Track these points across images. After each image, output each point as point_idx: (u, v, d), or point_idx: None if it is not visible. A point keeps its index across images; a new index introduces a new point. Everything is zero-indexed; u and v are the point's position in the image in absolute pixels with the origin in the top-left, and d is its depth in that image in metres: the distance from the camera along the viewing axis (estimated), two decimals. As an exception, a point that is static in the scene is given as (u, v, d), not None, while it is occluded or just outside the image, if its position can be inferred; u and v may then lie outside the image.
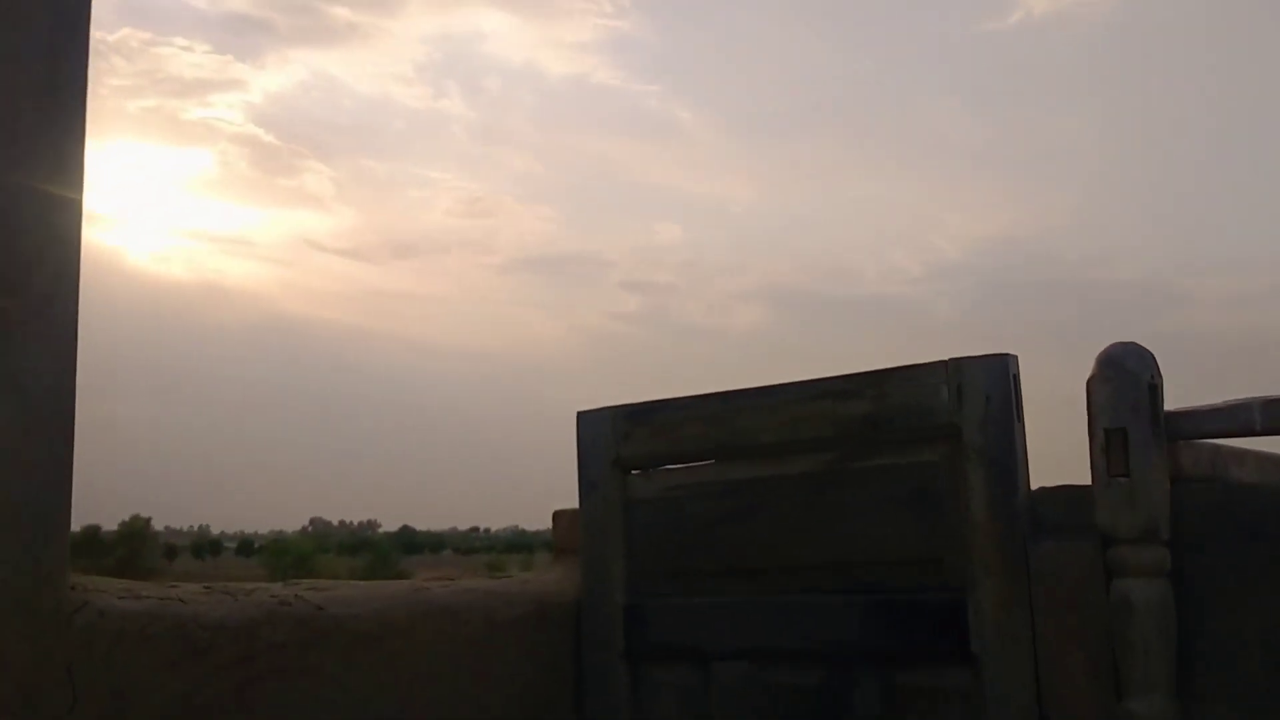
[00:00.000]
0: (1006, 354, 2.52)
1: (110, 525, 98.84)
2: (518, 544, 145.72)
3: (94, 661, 2.29)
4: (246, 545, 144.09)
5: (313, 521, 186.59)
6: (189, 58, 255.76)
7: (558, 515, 3.47)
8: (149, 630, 2.37)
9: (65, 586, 2.31)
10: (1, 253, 2.28)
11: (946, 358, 2.57)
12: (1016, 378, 2.51)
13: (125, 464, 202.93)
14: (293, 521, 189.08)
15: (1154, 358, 2.32)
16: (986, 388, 2.49)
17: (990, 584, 2.44)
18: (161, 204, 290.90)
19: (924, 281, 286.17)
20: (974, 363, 2.52)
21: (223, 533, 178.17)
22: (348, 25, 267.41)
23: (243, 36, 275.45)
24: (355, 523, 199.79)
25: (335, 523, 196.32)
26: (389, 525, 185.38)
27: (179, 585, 2.66)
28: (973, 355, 2.53)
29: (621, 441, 3.14)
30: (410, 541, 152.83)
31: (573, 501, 3.29)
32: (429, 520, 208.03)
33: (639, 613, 3.05)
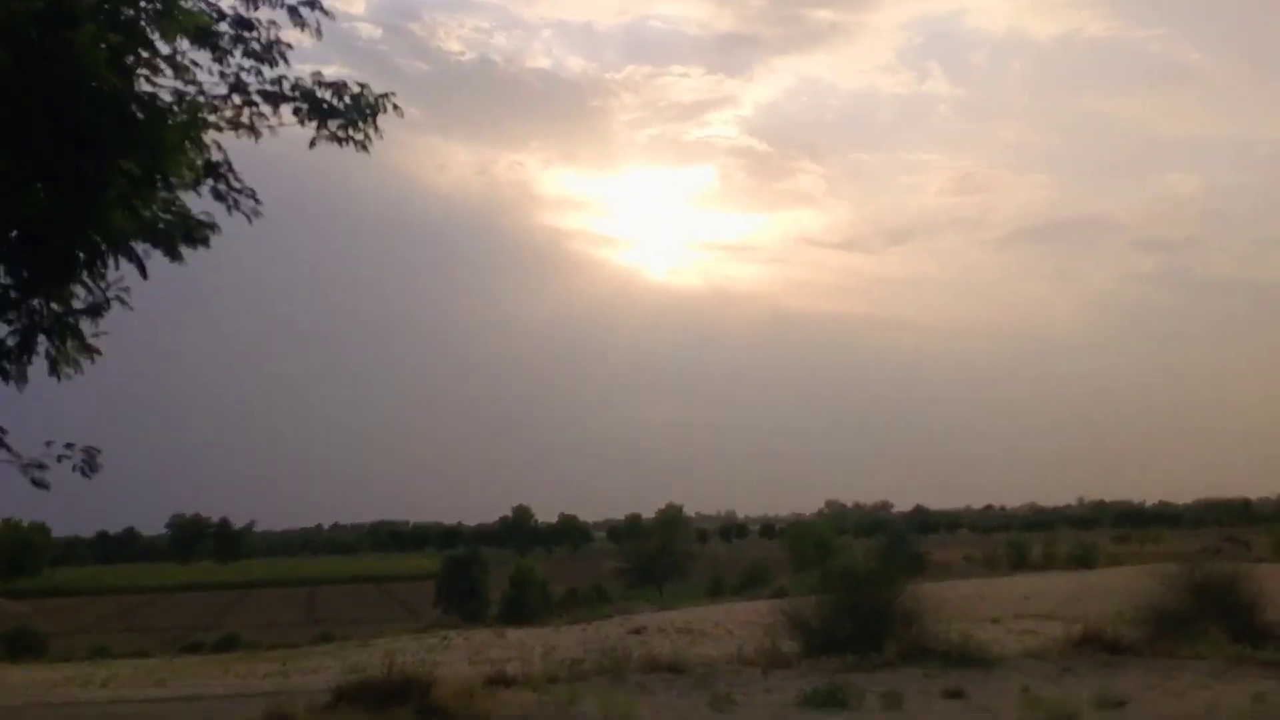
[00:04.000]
0: None
1: (649, 513, 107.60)
2: (1036, 522, 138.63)
3: None
4: (769, 529, 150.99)
5: (828, 504, 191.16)
6: (686, 83, 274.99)
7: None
8: None
9: None
10: None
11: None
12: None
13: (659, 458, 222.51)
14: (809, 504, 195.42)
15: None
16: None
17: None
18: (673, 221, 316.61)
19: None
20: None
21: (746, 517, 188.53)
22: (829, 26, 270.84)
23: (732, 54, 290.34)
24: (868, 504, 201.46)
25: (849, 505, 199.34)
26: (901, 505, 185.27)
27: None
28: None
29: None
30: (924, 521, 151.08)
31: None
32: (942, 500, 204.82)
33: None
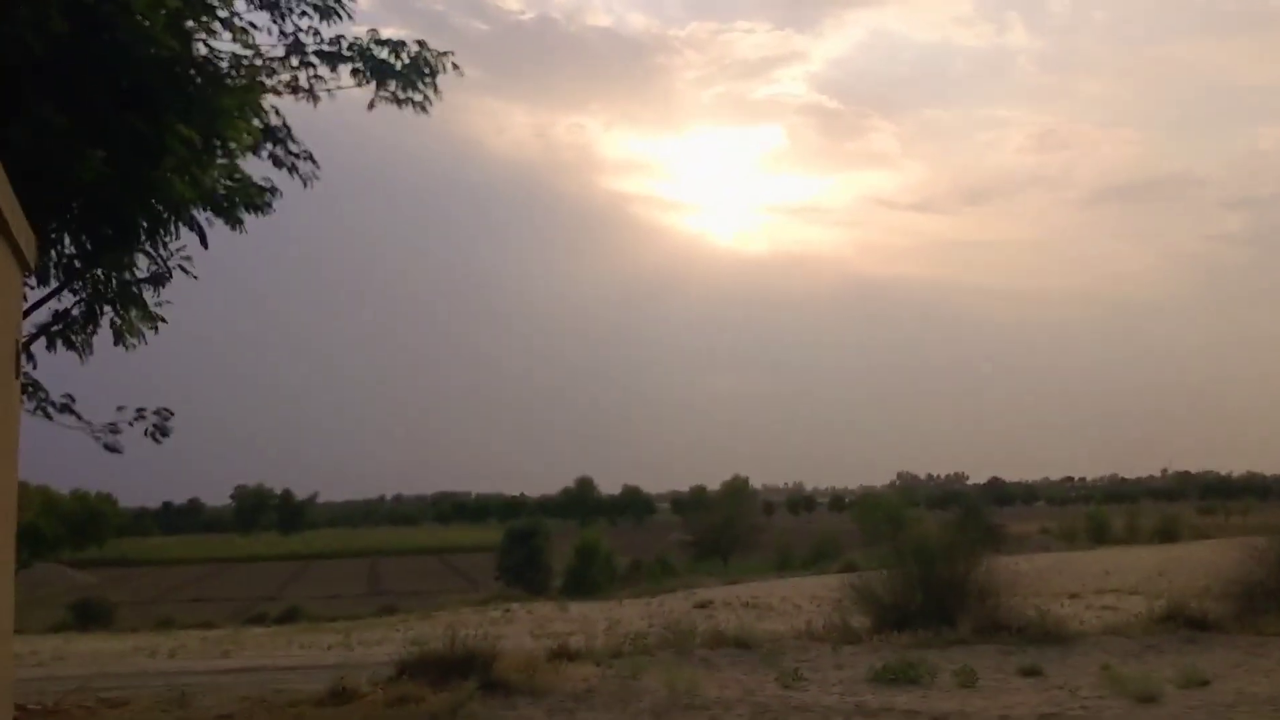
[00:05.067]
0: None
1: (714, 485, 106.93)
2: (1117, 494, 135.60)
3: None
4: (838, 501, 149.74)
5: (899, 476, 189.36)
6: (752, 39, 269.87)
7: None
8: None
9: None
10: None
11: None
12: None
13: (725, 428, 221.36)
14: (880, 476, 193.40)
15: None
16: None
17: None
18: (739, 184, 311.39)
19: None
20: None
21: (815, 489, 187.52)
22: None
23: (800, 8, 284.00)
24: (941, 475, 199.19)
25: (922, 476, 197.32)
26: (977, 477, 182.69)
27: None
28: None
29: None
30: (1000, 493, 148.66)
31: None
32: (1018, 471, 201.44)
33: None
